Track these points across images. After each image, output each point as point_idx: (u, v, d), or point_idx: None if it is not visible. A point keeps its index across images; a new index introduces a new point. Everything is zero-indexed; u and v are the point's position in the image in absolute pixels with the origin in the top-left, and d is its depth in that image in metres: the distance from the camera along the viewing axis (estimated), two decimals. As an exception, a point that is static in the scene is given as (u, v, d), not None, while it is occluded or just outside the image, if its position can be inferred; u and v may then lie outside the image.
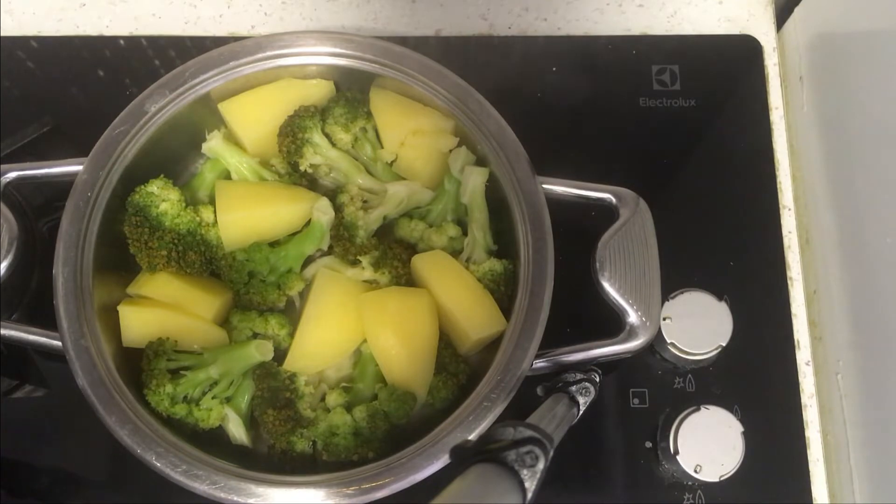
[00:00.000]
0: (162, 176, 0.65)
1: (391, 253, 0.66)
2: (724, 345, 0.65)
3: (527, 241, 0.62)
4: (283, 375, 0.63)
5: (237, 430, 0.63)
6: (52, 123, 0.74)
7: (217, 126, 0.68)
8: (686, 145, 0.76)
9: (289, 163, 0.68)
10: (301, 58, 0.66)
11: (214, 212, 0.66)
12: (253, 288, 0.65)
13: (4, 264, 0.63)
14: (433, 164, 0.67)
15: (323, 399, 0.65)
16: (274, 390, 0.62)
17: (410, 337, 0.62)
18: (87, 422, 0.58)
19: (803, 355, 0.71)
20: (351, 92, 0.68)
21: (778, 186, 0.75)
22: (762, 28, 0.80)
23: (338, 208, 0.66)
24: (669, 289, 0.65)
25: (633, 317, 0.60)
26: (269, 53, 0.66)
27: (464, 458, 0.42)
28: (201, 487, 0.56)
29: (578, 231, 0.63)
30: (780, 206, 0.75)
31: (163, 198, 0.64)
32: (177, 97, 0.64)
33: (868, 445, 0.65)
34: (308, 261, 0.67)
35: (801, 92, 0.77)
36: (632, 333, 0.60)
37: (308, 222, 0.67)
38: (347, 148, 0.69)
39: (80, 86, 0.76)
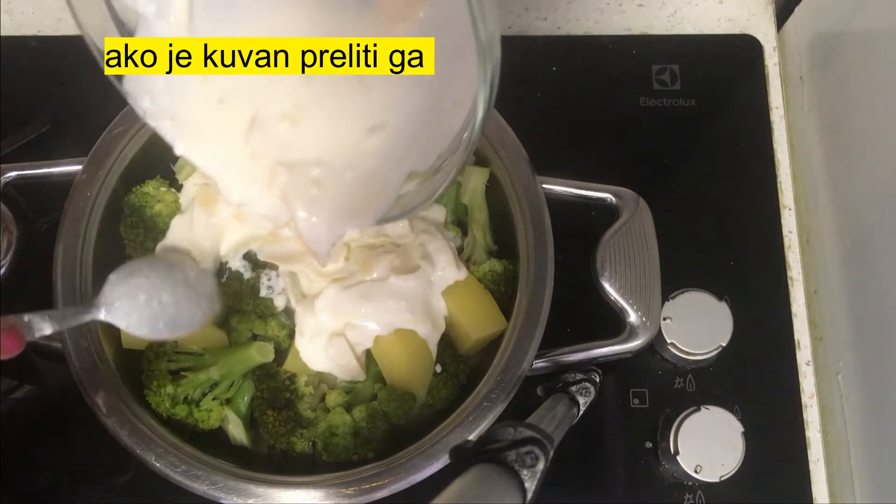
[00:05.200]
0: (158, 177, 0.65)
1: (391, 253, 0.65)
2: (724, 345, 0.65)
3: (527, 241, 0.62)
4: (283, 376, 0.63)
5: (237, 431, 0.63)
6: (51, 123, 0.73)
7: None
8: (686, 145, 0.76)
9: None
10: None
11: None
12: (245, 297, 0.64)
13: (4, 264, 0.63)
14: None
15: (323, 399, 0.64)
16: (274, 391, 0.62)
17: (410, 337, 0.62)
18: (87, 422, 0.57)
19: (803, 355, 0.71)
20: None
21: (778, 186, 0.75)
22: (762, 28, 0.80)
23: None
24: (669, 289, 0.65)
25: (633, 317, 0.60)
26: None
27: (464, 458, 0.42)
28: (201, 487, 0.56)
29: (578, 231, 0.63)
30: (781, 206, 0.74)
31: (158, 198, 0.64)
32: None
33: (868, 445, 0.65)
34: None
35: (801, 92, 0.77)
36: (632, 333, 0.60)
37: None
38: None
39: (80, 86, 0.75)
